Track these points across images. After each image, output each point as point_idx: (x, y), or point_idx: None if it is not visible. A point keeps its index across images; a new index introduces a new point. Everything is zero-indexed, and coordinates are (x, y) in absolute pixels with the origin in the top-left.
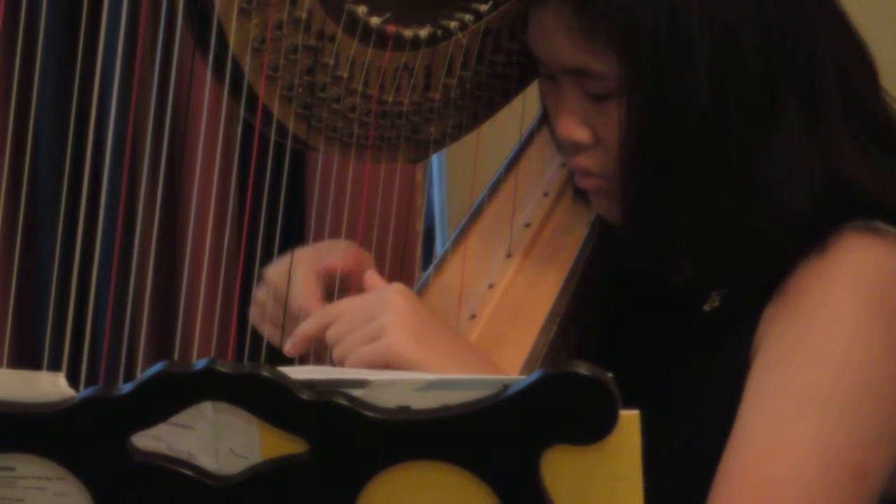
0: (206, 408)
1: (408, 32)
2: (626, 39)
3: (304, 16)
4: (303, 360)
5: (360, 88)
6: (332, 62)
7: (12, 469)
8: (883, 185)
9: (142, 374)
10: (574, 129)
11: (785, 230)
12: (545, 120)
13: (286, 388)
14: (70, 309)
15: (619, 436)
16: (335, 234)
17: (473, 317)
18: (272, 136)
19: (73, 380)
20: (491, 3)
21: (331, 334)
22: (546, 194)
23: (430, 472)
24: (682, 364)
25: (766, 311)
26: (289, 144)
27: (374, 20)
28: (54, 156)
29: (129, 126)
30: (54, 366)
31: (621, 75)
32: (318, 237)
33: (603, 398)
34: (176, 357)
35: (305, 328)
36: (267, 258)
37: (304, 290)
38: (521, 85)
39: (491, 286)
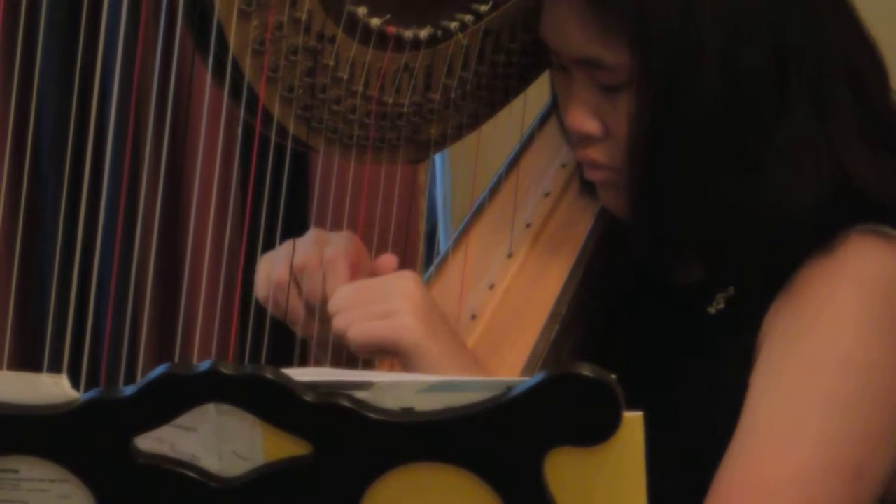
0: (210, 409)
1: (408, 33)
2: (639, 31)
3: (304, 17)
4: (304, 361)
5: (360, 89)
6: (332, 63)
7: (16, 471)
8: (891, 186)
9: (145, 376)
10: (585, 121)
11: (791, 226)
12: (546, 119)
13: (289, 390)
14: (71, 308)
15: (622, 437)
16: None
17: (474, 317)
18: (272, 138)
19: (73, 380)
20: (491, 3)
21: (335, 303)
22: (547, 194)
23: (433, 474)
24: (686, 366)
25: (769, 311)
26: (289, 146)
27: (375, 21)
28: (55, 156)
29: (129, 127)
30: (55, 365)
31: (633, 67)
32: None
33: (606, 400)
34: (177, 357)
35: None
36: None
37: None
38: (522, 85)
39: (492, 286)
